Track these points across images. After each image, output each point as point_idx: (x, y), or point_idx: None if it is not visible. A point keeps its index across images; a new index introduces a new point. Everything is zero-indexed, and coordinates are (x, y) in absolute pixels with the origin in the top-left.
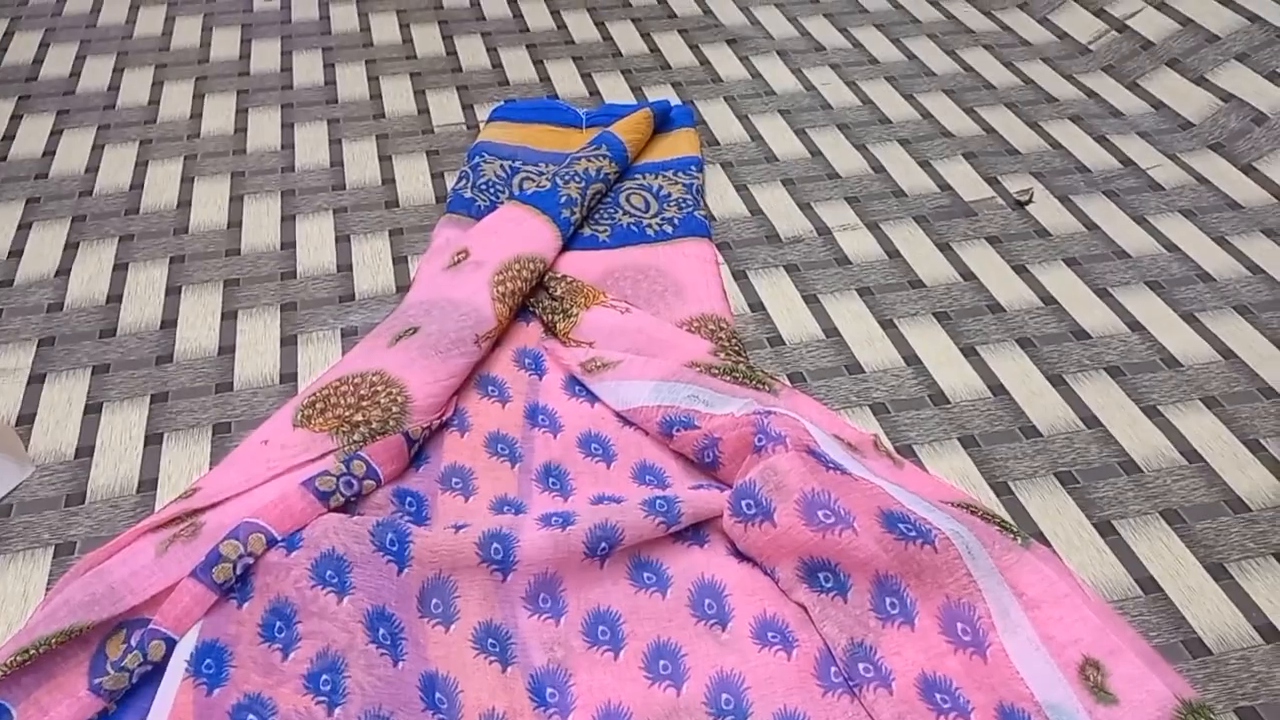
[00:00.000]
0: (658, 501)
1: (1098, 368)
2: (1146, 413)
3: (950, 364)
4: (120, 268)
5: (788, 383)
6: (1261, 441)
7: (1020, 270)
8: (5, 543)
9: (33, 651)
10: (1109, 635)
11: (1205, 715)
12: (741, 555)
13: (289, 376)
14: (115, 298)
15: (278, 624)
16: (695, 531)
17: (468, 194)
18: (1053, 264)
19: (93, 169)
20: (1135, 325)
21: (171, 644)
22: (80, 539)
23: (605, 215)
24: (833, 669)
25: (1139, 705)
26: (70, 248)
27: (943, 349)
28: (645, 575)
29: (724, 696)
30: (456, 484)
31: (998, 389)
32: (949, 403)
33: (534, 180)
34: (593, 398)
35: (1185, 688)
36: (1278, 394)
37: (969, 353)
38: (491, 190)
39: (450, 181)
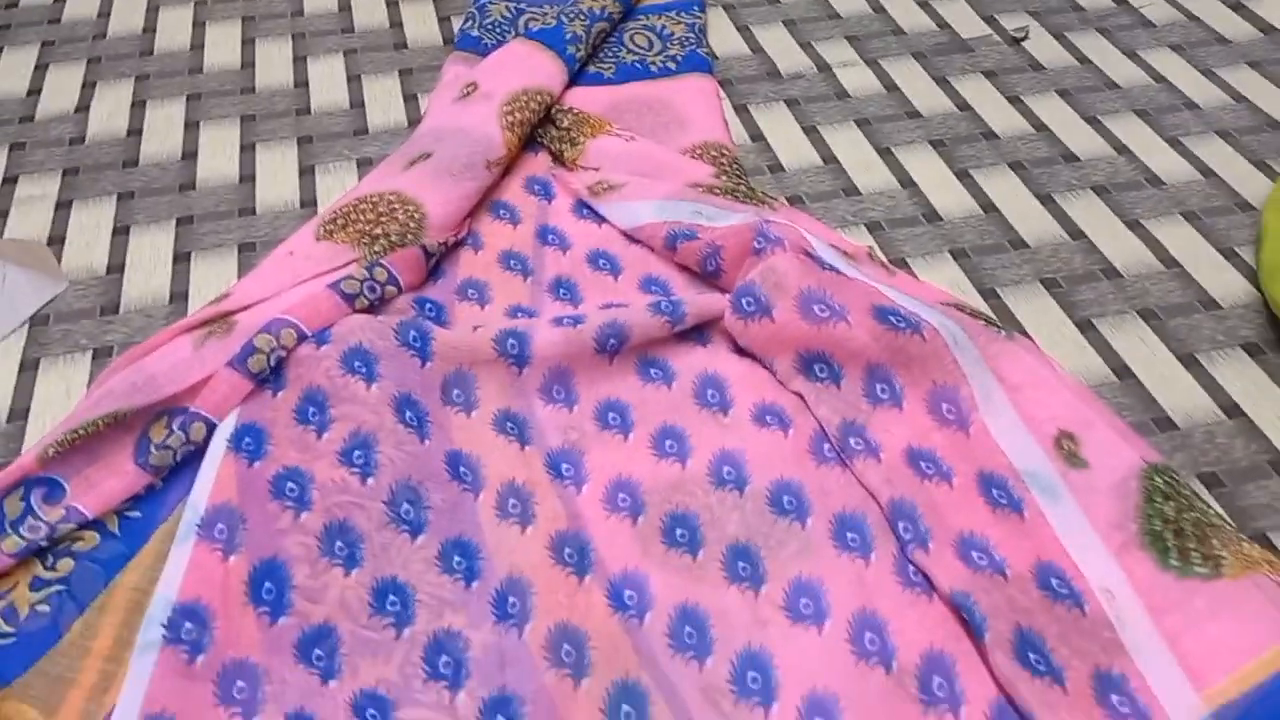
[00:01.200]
0: (663, 303)
1: (1085, 187)
2: (1129, 226)
3: (944, 186)
4: (138, 105)
5: (787, 204)
6: (1236, 249)
7: (1014, 101)
8: (45, 347)
9: (81, 432)
10: (1083, 410)
11: (1169, 474)
12: (742, 353)
13: (308, 202)
14: (135, 131)
15: (311, 409)
16: (699, 333)
17: (475, 33)
18: (1045, 94)
19: (104, 14)
20: (1122, 149)
21: (212, 426)
22: (117, 344)
23: (610, 53)
24: (826, 445)
25: (1108, 468)
26: (88, 87)
27: (938, 173)
28: (652, 370)
29: (725, 469)
30: (472, 294)
31: (989, 207)
32: (942, 220)
33: (539, 20)
34: (600, 219)
35: (1152, 453)
36: (1254, 208)
37: (963, 176)
38: (498, 30)
39: (458, 24)
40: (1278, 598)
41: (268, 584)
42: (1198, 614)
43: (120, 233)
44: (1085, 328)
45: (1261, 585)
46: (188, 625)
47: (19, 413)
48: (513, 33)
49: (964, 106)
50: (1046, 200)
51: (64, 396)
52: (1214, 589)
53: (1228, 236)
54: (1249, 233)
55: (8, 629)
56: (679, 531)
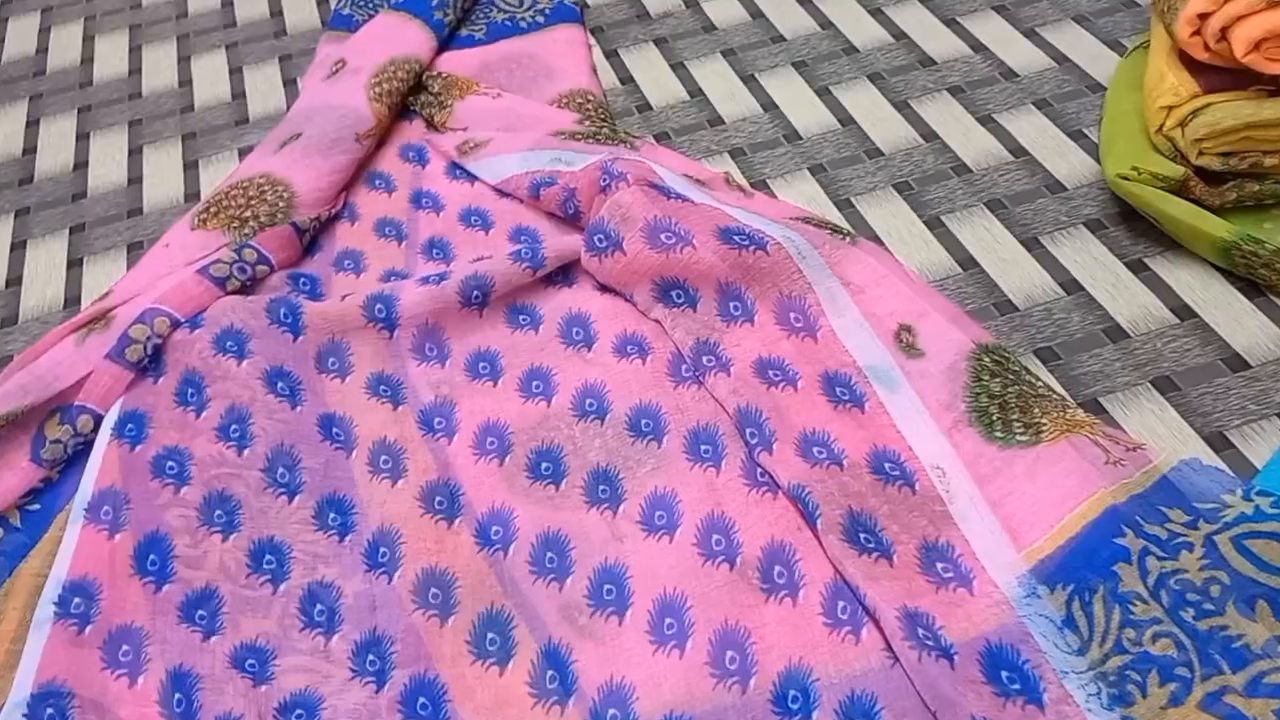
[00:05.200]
0: (524, 250)
1: (941, 89)
2: (981, 122)
3: (805, 106)
4: (33, 124)
5: (652, 140)
6: (1084, 131)
7: (876, 13)
8: None
9: None
10: (920, 302)
11: (998, 353)
12: (606, 289)
13: (193, 196)
14: (30, 150)
15: (189, 391)
16: (564, 275)
17: (346, 10)
18: (906, 3)
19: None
20: (979, 47)
21: (99, 418)
22: (16, 353)
23: (481, 15)
24: (683, 366)
25: (941, 353)
26: None
27: (799, 93)
28: (520, 317)
29: (588, 400)
30: (348, 265)
31: (847, 121)
32: (801, 139)
33: None
34: (472, 178)
35: (983, 334)
36: (1103, 87)
37: (823, 94)
38: (369, 5)
39: (334, 3)
40: (1091, 454)
41: (151, 556)
42: (1018, 478)
43: (18, 247)
44: (933, 225)
45: (1077, 444)
46: (76, 600)
47: None
48: (386, 5)
49: (825, 24)
50: (903, 107)
51: None
52: (1033, 454)
53: (1077, 119)
54: (1097, 113)
55: None
56: (543, 465)
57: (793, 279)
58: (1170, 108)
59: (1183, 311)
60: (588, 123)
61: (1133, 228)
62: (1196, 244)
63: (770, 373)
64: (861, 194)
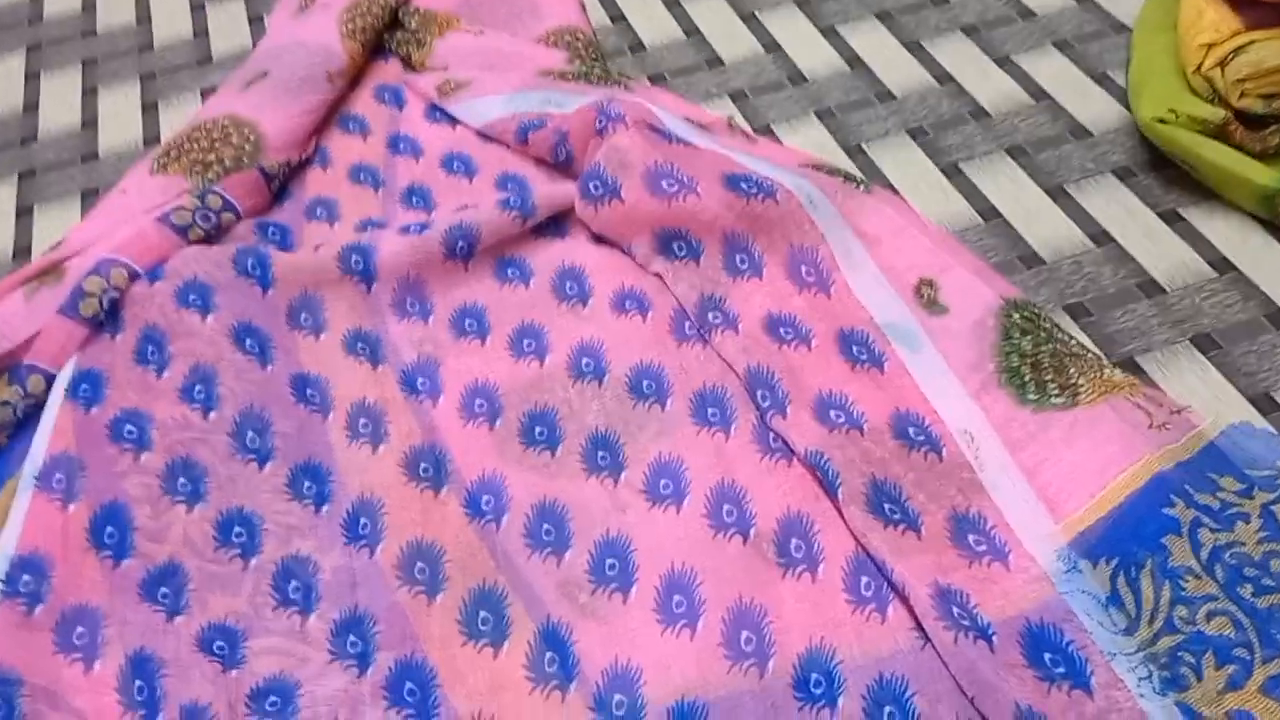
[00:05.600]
0: (512, 199)
1: (954, 28)
2: (999, 63)
3: (810, 46)
4: None
5: (647, 82)
6: (1109, 74)
7: None
8: None
9: None
10: (942, 255)
11: (1027, 309)
12: (602, 240)
13: (153, 140)
14: None
15: (150, 349)
16: (556, 225)
17: None
18: None
19: None
20: None
21: (51, 378)
22: None
23: None
24: (686, 323)
25: (966, 309)
26: None
27: (803, 32)
28: (509, 270)
29: (584, 360)
30: (321, 213)
31: (855, 62)
32: (807, 81)
33: None
34: (454, 121)
35: (1010, 289)
36: (1127, 28)
37: (829, 33)
38: None
39: None
40: (1133, 418)
41: (109, 528)
42: (1054, 444)
43: None
44: (951, 173)
45: (1118, 408)
46: (25, 577)
47: None
48: None
49: None
50: (914, 48)
51: None
52: (1070, 417)
53: (1100, 61)
54: (1122, 55)
55: None
56: (537, 430)
57: (804, 230)
58: (1210, 45)
59: (1221, 265)
60: (578, 62)
61: (1164, 176)
62: (1235, 192)
63: (782, 330)
64: (873, 140)
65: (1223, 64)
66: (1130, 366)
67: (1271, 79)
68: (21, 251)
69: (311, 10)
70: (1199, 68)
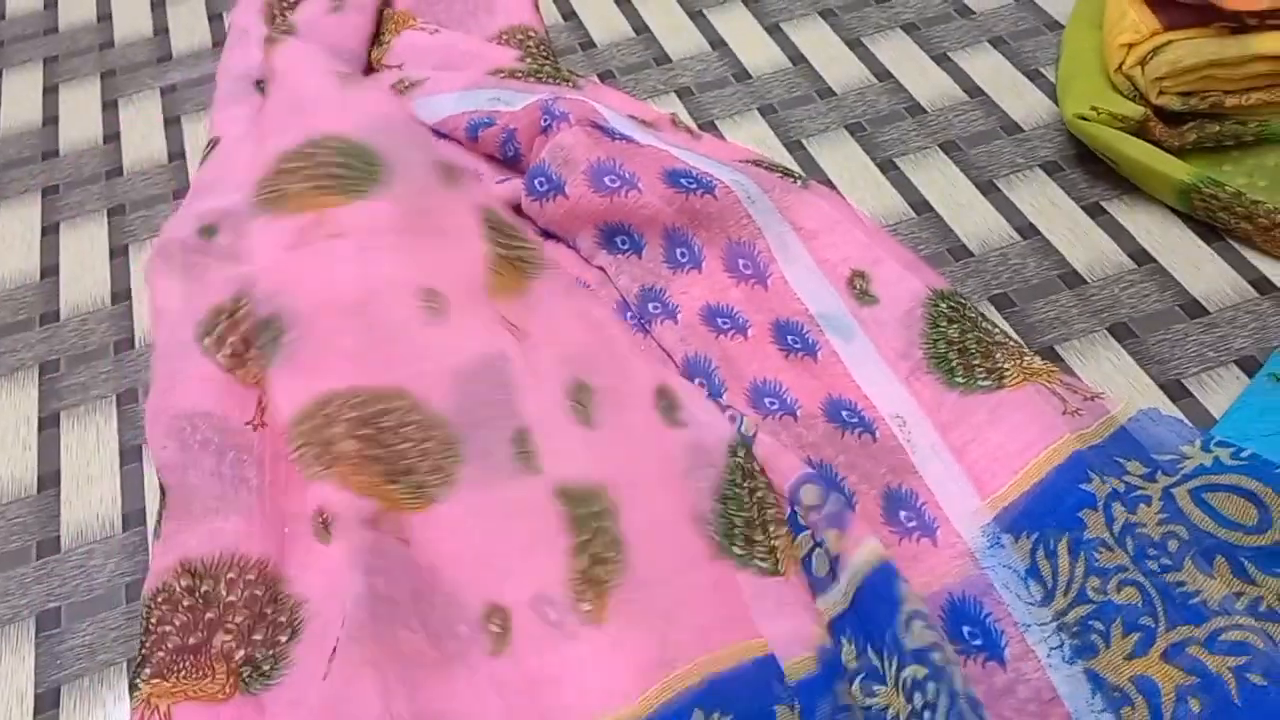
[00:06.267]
0: None
1: (894, 25)
2: (936, 60)
3: (755, 44)
4: None
5: (595, 80)
6: (1041, 70)
7: None
8: None
9: None
10: (874, 248)
11: (954, 299)
12: (547, 234)
13: (112, 138)
14: None
15: None
16: None
17: None
18: None
19: None
20: None
21: None
22: None
23: None
24: (628, 314)
25: (895, 299)
26: None
27: (748, 30)
28: None
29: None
30: None
31: (798, 59)
32: (751, 78)
33: None
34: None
35: (938, 280)
36: (1061, 25)
37: (773, 30)
38: None
39: None
40: (1054, 402)
41: None
42: (980, 425)
43: None
44: (887, 168)
45: (1040, 392)
46: None
47: None
48: None
49: None
50: (855, 45)
51: None
52: (996, 399)
53: (1034, 58)
54: (1055, 52)
55: None
56: None
57: (741, 224)
58: (1130, 45)
59: (1140, 256)
60: (529, 60)
61: (1090, 170)
62: (1155, 187)
63: (719, 320)
64: (813, 135)
65: (1143, 62)
66: (1050, 355)
67: (1188, 77)
68: None
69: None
70: (1120, 66)
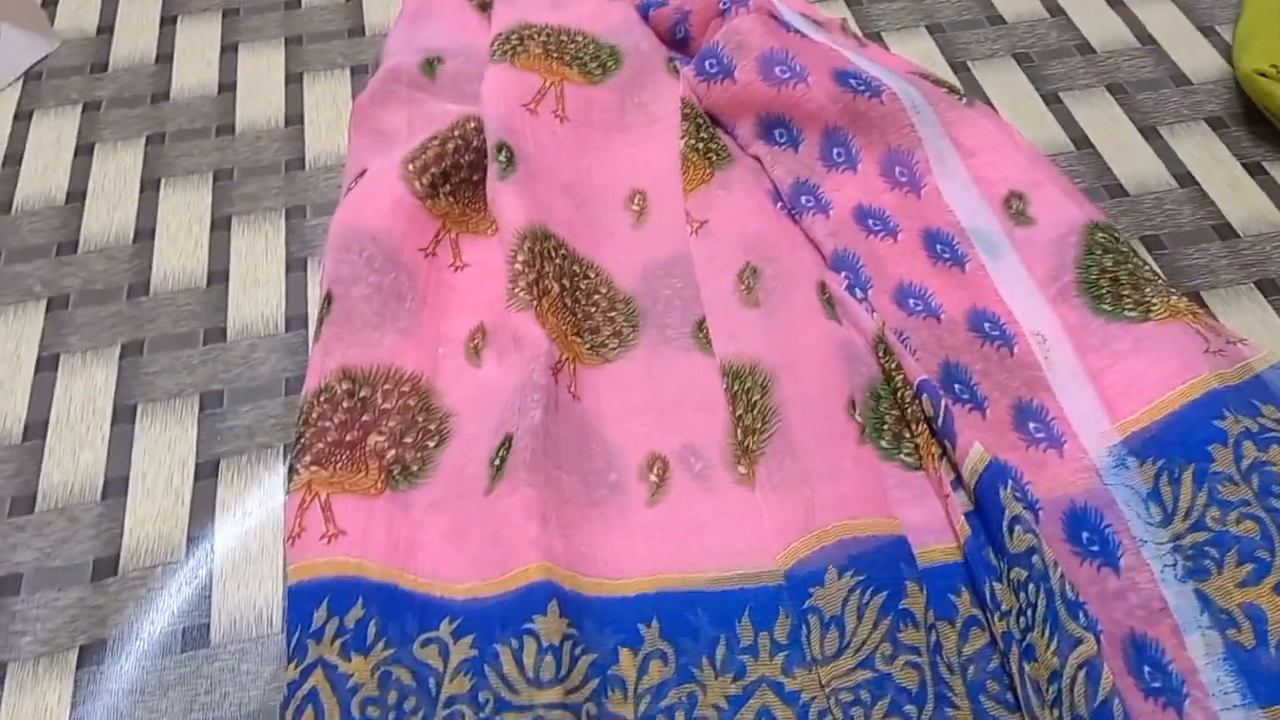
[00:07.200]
0: None
1: None
2: (1111, 4)
3: None
4: None
5: None
6: (1216, 28)
7: None
8: (40, 101)
9: None
10: (1035, 172)
11: (1111, 231)
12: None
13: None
14: None
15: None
16: None
17: None
18: None
19: None
20: None
21: None
22: (105, 99)
23: None
24: (779, 204)
25: (1052, 224)
26: None
27: None
28: None
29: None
30: None
31: None
32: None
33: None
34: None
35: (1097, 212)
36: None
37: None
38: None
39: None
40: (1197, 341)
41: None
42: (1121, 352)
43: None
44: (1051, 100)
45: (1185, 329)
46: None
47: (13, 159)
48: None
49: None
50: None
51: (54, 144)
52: (1140, 330)
53: (1210, 15)
54: (1231, 12)
55: None
56: None
57: (903, 132)
58: None
59: None
60: None
61: (1255, 130)
62: None
63: (869, 221)
64: (979, 59)
65: None
66: (1195, 299)
67: None
68: (164, 56)
69: None
70: None
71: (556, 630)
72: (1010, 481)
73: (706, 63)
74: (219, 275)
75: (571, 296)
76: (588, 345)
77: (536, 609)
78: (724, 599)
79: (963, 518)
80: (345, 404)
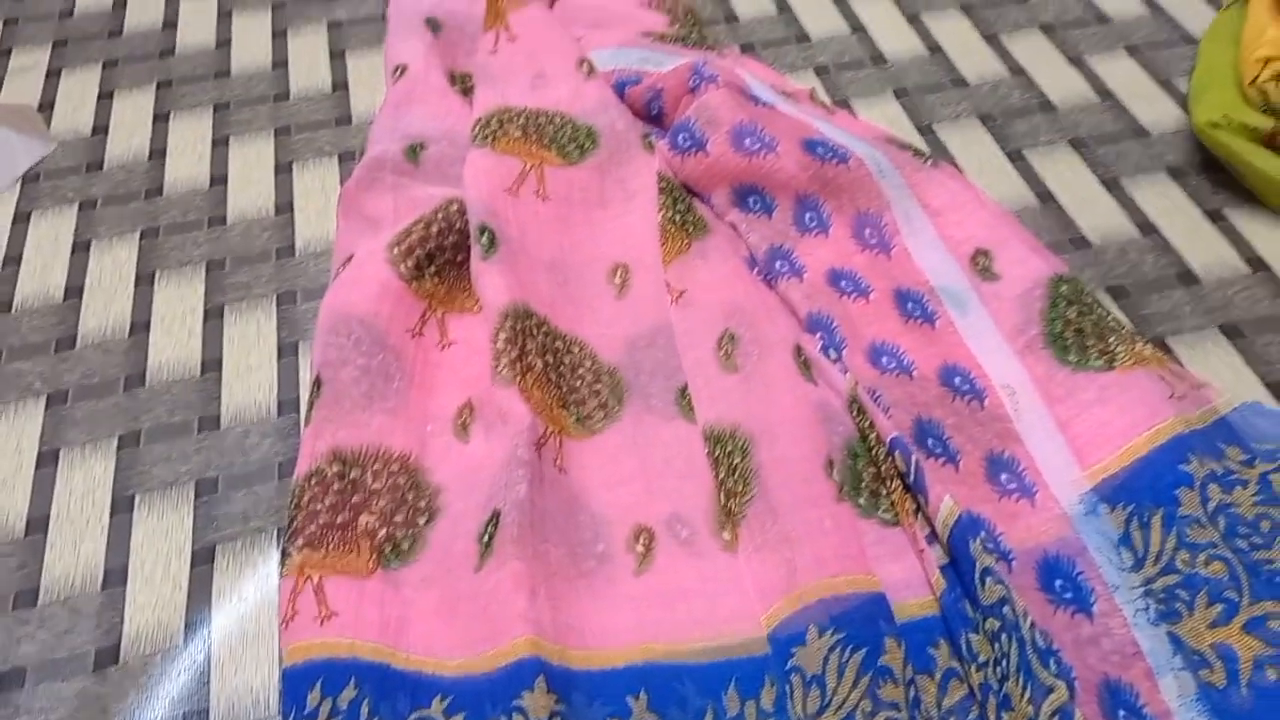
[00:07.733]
0: None
1: (1032, 25)
2: (1071, 61)
3: (894, 30)
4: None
5: (737, 50)
6: (1173, 81)
7: None
8: (37, 202)
9: None
10: (1000, 229)
11: (1074, 284)
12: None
13: (280, 63)
14: (120, 3)
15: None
16: None
17: None
18: None
19: None
20: None
21: None
22: (101, 197)
23: None
24: (755, 270)
25: (1018, 279)
26: None
27: (888, 17)
28: None
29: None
30: None
31: (935, 49)
32: (888, 63)
33: None
34: None
35: (1060, 265)
36: (1195, 39)
37: (913, 20)
38: None
39: None
40: (1162, 387)
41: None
42: (1087, 401)
43: (105, 97)
44: (1015, 158)
45: (1149, 376)
46: None
47: (13, 259)
48: None
49: None
50: (992, 40)
51: (52, 243)
52: (1105, 379)
53: (1167, 68)
54: (1187, 64)
55: None
56: None
57: (871, 196)
58: (1267, 60)
59: (1256, 263)
60: (677, 26)
61: (1214, 178)
62: (1276, 198)
63: (842, 282)
64: (944, 121)
65: (1278, 77)
66: (1160, 346)
67: None
68: (157, 153)
69: None
70: (1255, 80)
71: (544, 706)
72: (982, 534)
73: (680, 137)
74: (212, 363)
75: (556, 371)
76: (574, 418)
77: (524, 685)
78: (710, 670)
79: (938, 571)
80: (336, 486)
